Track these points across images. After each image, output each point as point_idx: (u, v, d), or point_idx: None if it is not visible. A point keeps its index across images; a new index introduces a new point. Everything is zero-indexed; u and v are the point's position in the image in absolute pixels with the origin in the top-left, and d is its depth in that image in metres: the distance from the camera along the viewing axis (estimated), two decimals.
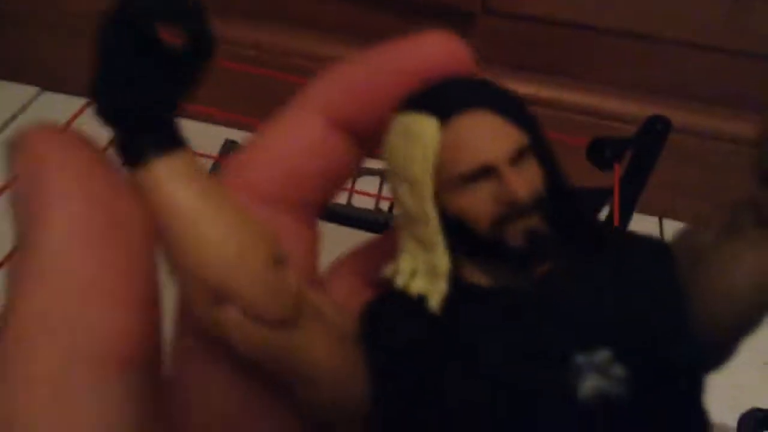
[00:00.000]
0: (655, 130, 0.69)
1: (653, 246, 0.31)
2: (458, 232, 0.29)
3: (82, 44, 1.10)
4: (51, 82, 1.07)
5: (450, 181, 0.28)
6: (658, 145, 0.70)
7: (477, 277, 0.30)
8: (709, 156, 0.92)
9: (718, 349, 0.30)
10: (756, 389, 0.76)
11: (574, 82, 0.91)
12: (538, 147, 0.29)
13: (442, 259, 0.28)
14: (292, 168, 0.31)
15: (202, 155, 0.91)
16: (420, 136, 0.28)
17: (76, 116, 0.71)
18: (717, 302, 0.28)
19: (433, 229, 0.29)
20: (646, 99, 0.90)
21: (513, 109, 0.28)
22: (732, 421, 0.71)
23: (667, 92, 0.91)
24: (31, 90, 1.07)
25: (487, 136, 0.27)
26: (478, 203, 0.28)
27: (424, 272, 0.29)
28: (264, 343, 0.26)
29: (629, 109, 0.90)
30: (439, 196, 0.29)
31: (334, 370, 0.27)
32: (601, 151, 0.70)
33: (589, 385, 0.25)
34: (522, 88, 0.90)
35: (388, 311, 0.30)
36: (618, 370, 0.25)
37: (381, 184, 0.94)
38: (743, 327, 0.31)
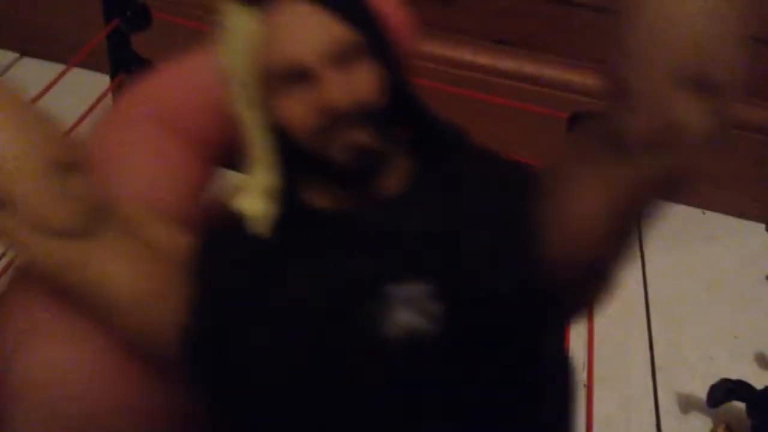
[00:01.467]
0: None
1: (510, 169, 0.30)
2: (289, 145, 0.26)
3: (62, 10, 1.07)
4: (31, 47, 1.05)
5: (268, 83, 0.25)
6: None
7: (317, 199, 0.28)
8: None
9: (576, 288, 0.29)
10: (725, 361, 0.78)
11: (556, 57, 0.91)
12: (375, 48, 0.25)
13: (267, 177, 0.26)
14: (190, 102, 0.31)
15: None
16: (237, 29, 0.25)
17: (53, 83, 0.71)
18: (570, 232, 0.27)
19: (256, 140, 0.26)
20: None
21: (343, 2, 0.24)
22: (702, 393, 0.73)
23: None
24: (10, 55, 1.05)
25: (300, 30, 0.24)
26: (294, 110, 0.25)
27: (255, 192, 0.26)
28: (46, 252, 0.24)
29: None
30: (266, 103, 0.26)
31: (138, 293, 0.25)
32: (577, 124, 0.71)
33: (399, 320, 0.23)
34: (504, 62, 0.90)
35: (219, 238, 0.28)
36: (433, 306, 0.23)
37: None
38: (599, 259, 0.31)
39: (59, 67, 0.71)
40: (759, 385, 0.72)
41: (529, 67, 0.91)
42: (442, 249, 0.23)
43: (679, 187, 0.28)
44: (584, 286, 0.29)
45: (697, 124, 0.24)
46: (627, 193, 0.26)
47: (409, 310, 0.22)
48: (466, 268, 0.24)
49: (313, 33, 0.23)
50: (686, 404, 0.74)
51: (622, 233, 0.28)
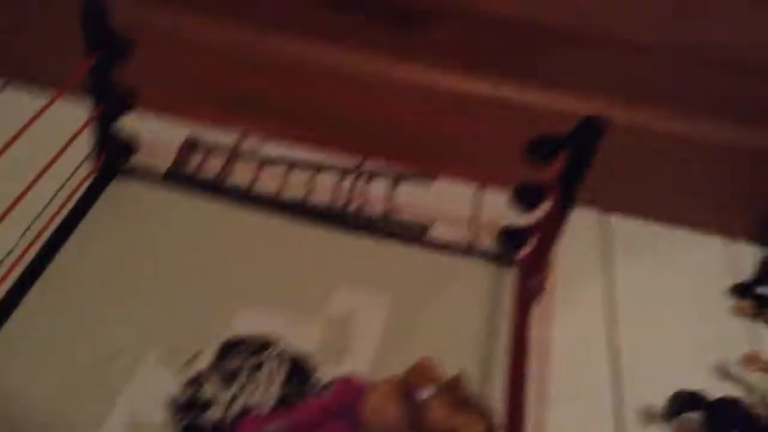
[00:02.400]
0: (591, 129, 0.73)
1: None
2: None
3: (51, 37, 1.09)
4: (18, 73, 1.08)
5: None
6: (594, 144, 0.73)
7: None
8: (653, 152, 0.96)
9: None
10: (686, 373, 0.81)
11: (527, 81, 0.95)
12: None
13: None
14: None
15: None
16: None
17: (37, 115, 0.73)
18: None
19: None
20: (599, 97, 0.93)
21: None
22: (661, 405, 0.76)
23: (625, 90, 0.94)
24: None
25: None
26: None
27: None
28: None
29: (584, 107, 0.93)
30: None
31: None
32: (540, 149, 0.74)
33: None
34: (478, 86, 0.94)
35: None
36: None
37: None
38: None
39: (46, 96, 0.75)
40: (717, 396, 0.75)
41: (498, 90, 0.95)
42: None
43: None
44: None
45: None
46: None
47: None
48: None
49: None
50: (648, 417, 0.77)
51: None
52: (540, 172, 0.77)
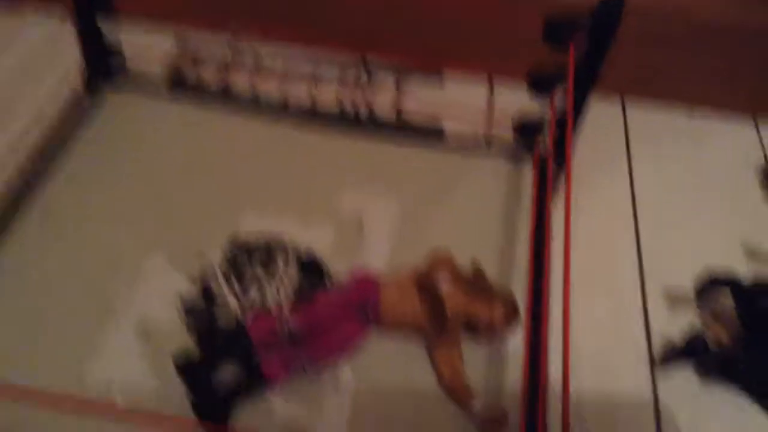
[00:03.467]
0: (610, 10, 0.68)
1: None
2: None
3: None
4: None
5: None
6: (613, 26, 0.68)
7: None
8: (673, 37, 0.91)
9: None
10: (714, 258, 0.78)
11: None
12: None
13: None
14: None
15: None
16: None
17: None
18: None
19: None
20: None
21: None
22: (690, 289, 0.73)
23: None
24: None
25: None
26: None
27: None
28: None
29: None
30: None
31: None
32: (556, 31, 0.70)
33: None
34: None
35: None
36: None
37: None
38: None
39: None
40: (746, 277, 0.72)
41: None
42: None
43: None
44: None
45: None
46: None
47: None
48: None
49: None
50: (675, 301, 0.74)
51: None
52: (556, 57, 0.72)
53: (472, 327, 0.66)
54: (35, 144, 0.80)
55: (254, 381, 0.63)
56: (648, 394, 0.67)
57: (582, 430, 0.64)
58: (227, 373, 0.63)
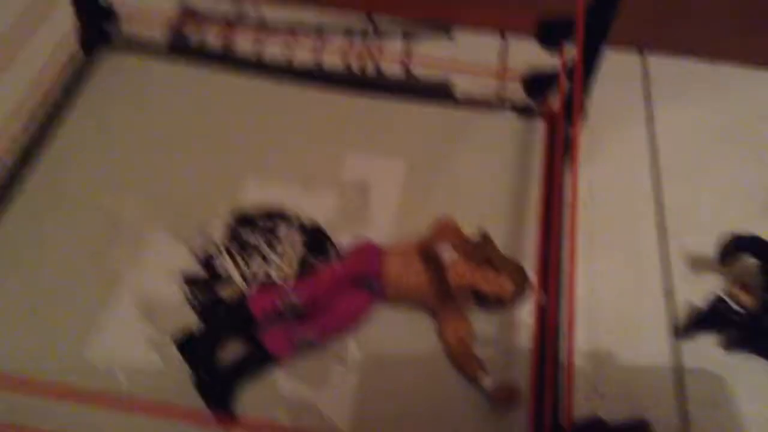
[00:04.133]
0: None
1: None
2: None
3: None
4: None
5: None
6: None
7: None
8: None
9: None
10: (737, 216, 0.74)
11: None
12: None
13: None
14: None
15: None
16: None
17: None
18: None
19: None
20: None
21: None
22: (713, 251, 0.70)
23: None
24: None
25: None
26: None
27: None
28: None
29: None
30: None
31: None
32: None
33: None
34: None
35: None
36: None
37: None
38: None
39: None
40: None
41: None
42: None
43: None
44: None
45: None
46: None
47: None
48: None
49: None
50: (698, 264, 0.71)
51: None
52: (566, 5, 0.67)
53: (479, 297, 0.64)
54: (30, 110, 0.78)
55: (258, 356, 0.62)
56: (670, 360, 0.65)
57: (602, 400, 0.62)
58: (231, 349, 0.63)
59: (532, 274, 0.66)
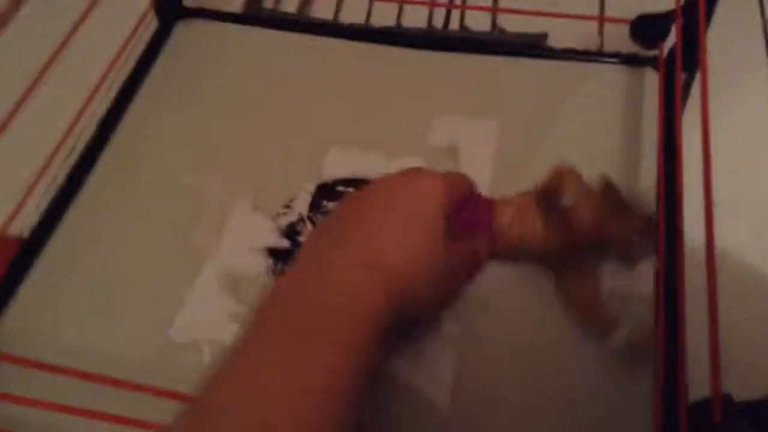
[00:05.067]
0: None
1: None
2: None
3: None
4: None
5: None
6: None
7: None
8: None
9: None
10: None
11: None
12: None
13: None
14: None
15: None
16: None
17: None
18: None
19: None
20: None
21: None
22: None
23: None
24: None
25: None
26: None
27: None
28: None
29: None
30: None
31: None
32: None
33: None
34: None
35: None
36: None
37: None
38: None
39: None
40: None
41: None
42: None
43: None
44: None
45: None
46: None
47: None
48: None
49: None
50: None
51: None
52: None
53: (605, 247, 0.56)
54: (108, 84, 0.76)
55: None
56: None
57: (733, 371, 0.54)
58: None
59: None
